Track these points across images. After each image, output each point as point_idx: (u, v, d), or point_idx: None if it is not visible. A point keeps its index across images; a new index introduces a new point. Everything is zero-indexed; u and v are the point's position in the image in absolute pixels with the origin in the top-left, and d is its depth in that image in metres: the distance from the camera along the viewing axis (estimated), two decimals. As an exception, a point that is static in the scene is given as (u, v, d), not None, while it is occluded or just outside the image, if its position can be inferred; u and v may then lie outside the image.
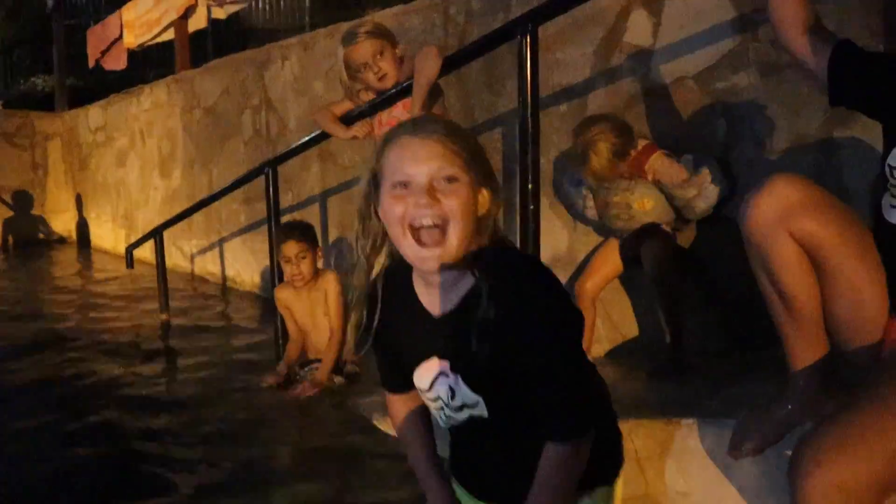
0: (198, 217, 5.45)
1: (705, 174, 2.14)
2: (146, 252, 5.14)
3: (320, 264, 2.97)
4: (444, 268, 1.19)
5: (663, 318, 2.27)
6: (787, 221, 1.30)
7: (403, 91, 2.41)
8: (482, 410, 1.26)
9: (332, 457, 2.25)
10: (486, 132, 3.10)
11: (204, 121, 5.62)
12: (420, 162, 1.14)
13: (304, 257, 2.84)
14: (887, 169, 1.28)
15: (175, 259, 6.05)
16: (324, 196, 4.23)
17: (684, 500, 1.69)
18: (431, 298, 1.26)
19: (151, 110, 6.61)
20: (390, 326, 1.30)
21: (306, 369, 2.94)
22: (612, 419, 1.38)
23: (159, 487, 2.03)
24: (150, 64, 8.32)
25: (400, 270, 1.28)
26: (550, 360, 1.19)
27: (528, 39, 2.04)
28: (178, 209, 5.62)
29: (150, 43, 7.42)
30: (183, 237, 5.97)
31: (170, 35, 6.97)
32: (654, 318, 2.37)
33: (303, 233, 2.91)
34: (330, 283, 2.91)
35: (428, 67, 2.28)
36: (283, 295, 3.00)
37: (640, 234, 2.31)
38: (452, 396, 1.25)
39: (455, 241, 1.15)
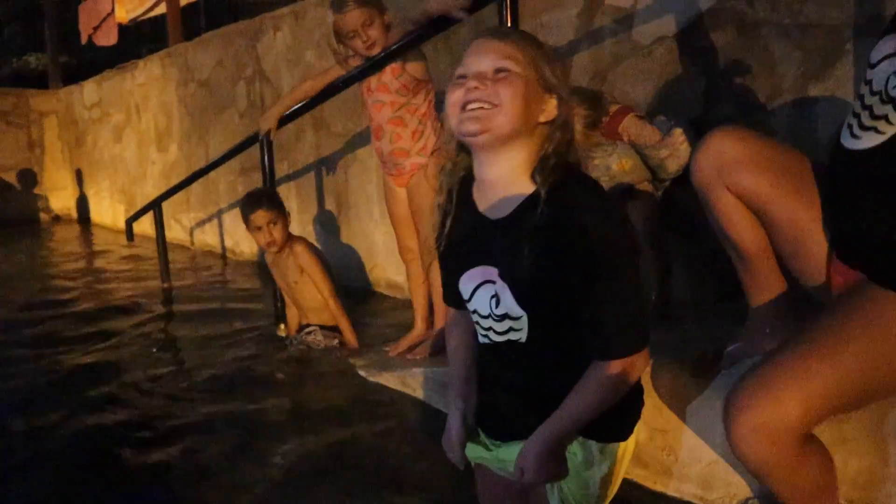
0: (196, 190, 5.54)
1: (677, 134, 2.20)
2: (146, 227, 5.23)
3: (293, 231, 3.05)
4: (491, 148, 1.24)
5: (651, 273, 2.36)
6: (722, 176, 1.36)
7: (391, 55, 2.47)
8: (522, 330, 1.29)
9: (328, 414, 2.34)
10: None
11: (198, 94, 5.67)
12: (481, 55, 1.22)
13: (275, 223, 2.87)
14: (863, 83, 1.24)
15: (175, 232, 6.14)
16: (319, 164, 4.30)
17: (663, 436, 1.79)
18: (489, 203, 1.30)
19: (146, 85, 6.65)
20: (452, 234, 1.36)
21: (301, 334, 3.00)
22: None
23: (162, 440, 2.13)
24: (142, 39, 8.32)
25: (467, 181, 1.34)
26: (612, 272, 1.21)
27: (508, 2, 2.10)
28: (176, 182, 5.71)
29: (141, 17, 7.41)
30: (181, 210, 6.05)
31: (162, 9, 6.97)
32: (643, 269, 2.47)
33: (270, 200, 2.93)
34: (301, 255, 2.93)
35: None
36: (269, 257, 3.05)
37: (624, 195, 2.38)
38: (497, 304, 1.28)
39: (500, 120, 1.20)
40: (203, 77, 5.54)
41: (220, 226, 5.60)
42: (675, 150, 2.20)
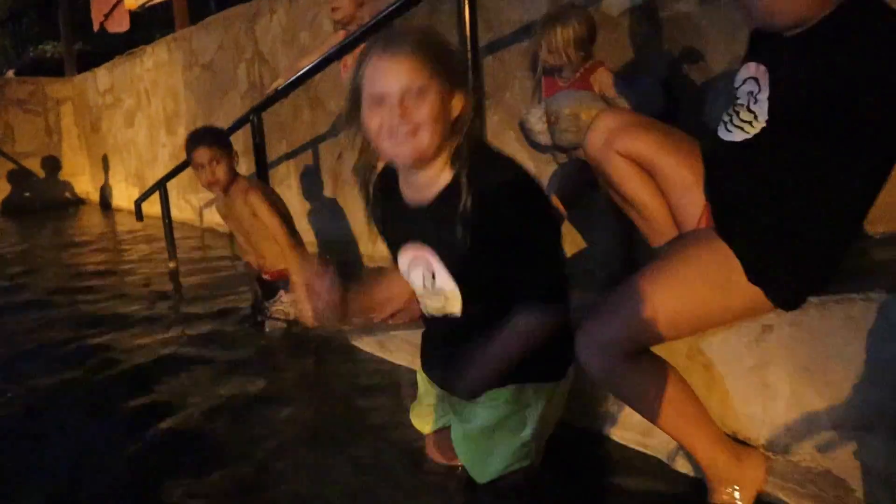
0: (203, 171, 5.66)
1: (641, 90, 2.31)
2: (158, 209, 5.38)
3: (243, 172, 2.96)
4: (422, 164, 1.38)
5: (615, 239, 2.45)
6: (612, 144, 1.56)
7: (366, 33, 2.56)
8: (456, 305, 1.44)
9: (314, 379, 2.47)
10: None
11: (203, 77, 5.79)
12: (391, 79, 1.30)
13: (218, 161, 2.77)
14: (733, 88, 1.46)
15: (185, 213, 6.31)
16: (315, 143, 4.41)
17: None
18: (414, 193, 1.45)
19: (154, 70, 6.79)
20: (385, 221, 1.52)
21: (271, 301, 2.95)
22: (568, 322, 1.52)
23: (166, 406, 2.23)
24: (154, 24, 8.45)
25: (390, 173, 1.49)
26: (527, 238, 1.36)
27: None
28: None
29: (150, 3, 7.55)
30: (190, 190, 6.21)
31: (169, -6, 7.11)
32: (607, 234, 2.55)
33: (213, 137, 2.84)
34: (254, 200, 2.82)
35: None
36: (218, 206, 3.01)
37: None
38: (433, 278, 1.43)
39: (426, 141, 1.33)
40: (206, 60, 5.67)
41: (227, 205, 5.74)
42: (639, 102, 2.29)
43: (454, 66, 1.37)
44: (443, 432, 1.66)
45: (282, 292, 2.93)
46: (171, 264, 4.50)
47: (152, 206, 4.88)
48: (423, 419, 1.72)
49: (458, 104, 1.36)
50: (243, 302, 3.43)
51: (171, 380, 2.46)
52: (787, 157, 1.32)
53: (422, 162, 1.37)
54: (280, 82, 3.24)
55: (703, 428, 1.42)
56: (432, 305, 1.50)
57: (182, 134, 6.40)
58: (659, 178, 1.56)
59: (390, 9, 2.50)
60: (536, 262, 1.38)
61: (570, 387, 1.59)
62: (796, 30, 1.31)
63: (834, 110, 1.26)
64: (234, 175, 2.89)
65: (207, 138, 2.81)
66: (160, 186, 4.43)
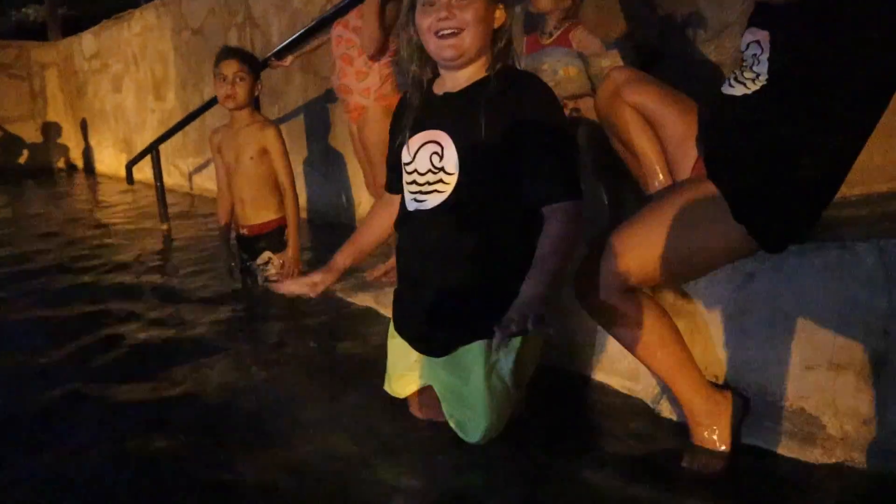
0: (192, 136, 5.69)
1: (617, 53, 2.37)
2: (147, 174, 5.38)
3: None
4: (463, 63, 1.56)
5: (602, 201, 2.52)
6: (620, 95, 1.71)
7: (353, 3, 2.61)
8: (449, 186, 1.56)
9: (311, 329, 2.54)
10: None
11: (192, 41, 5.78)
12: None
13: (242, 79, 2.77)
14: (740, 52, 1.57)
15: (174, 178, 6.32)
16: (307, 107, 4.44)
17: (598, 335, 1.98)
18: (447, 88, 1.62)
19: (142, 34, 6.75)
20: (408, 121, 1.65)
21: (258, 263, 2.92)
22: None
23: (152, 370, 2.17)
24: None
25: (424, 83, 1.66)
26: (549, 131, 1.53)
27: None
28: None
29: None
30: (179, 156, 6.22)
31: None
32: (590, 195, 2.63)
33: (245, 55, 2.85)
34: (271, 137, 2.84)
35: None
36: (215, 136, 2.97)
37: (574, 116, 2.53)
38: (441, 159, 1.56)
39: (468, 41, 1.52)
40: (197, 25, 5.65)
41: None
42: (615, 62, 2.35)
43: None
44: (424, 392, 1.73)
45: (271, 255, 2.91)
46: (164, 226, 4.54)
47: (139, 172, 4.90)
48: (401, 384, 1.77)
49: (500, 16, 1.55)
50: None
51: (164, 347, 2.42)
52: (782, 110, 1.42)
53: (463, 60, 1.55)
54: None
55: (686, 370, 1.52)
56: (428, 184, 1.60)
57: (171, 99, 6.39)
58: (658, 129, 1.69)
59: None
60: (557, 153, 1.52)
61: (541, 340, 1.68)
62: None
63: (825, 70, 1.36)
64: (251, 104, 2.88)
65: (240, 54, 2.85)
66: (153, 149, 4.45)
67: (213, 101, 3.83)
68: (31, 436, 1.82)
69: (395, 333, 1.76)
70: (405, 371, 1.74)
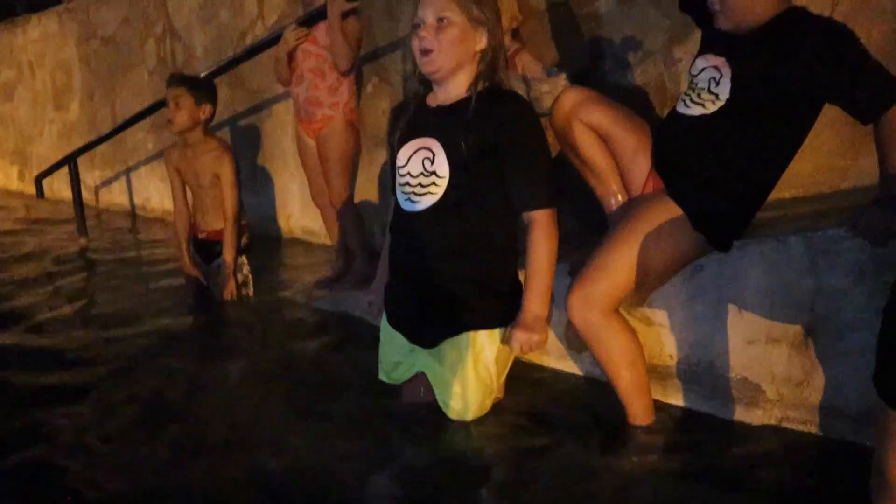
0: (101, 148, 5.52)
1: (561, 78, 2.61)
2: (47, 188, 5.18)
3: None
4: (442, 79, 1.76)
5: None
6: (574, 113, 1.87)
7: (320, 15, 2.73)
8: (441, 188, 1.75)
9: (276, 335, 2.63)
10: (387, 55, 3.45)
11: (102, 51, 5.64)
12: (427, 9, 1.72)
13: (179, 104, 2.86)
14: (689, 75, 1.81)
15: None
16: (233, 120, 4.46)
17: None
18: (438, 101, 1.82)
19: (41, 41, 6.49)
20: (401, 122, 1.85)
21: (215, 264, 3.05)
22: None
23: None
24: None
25: (420, 94, 1.85)
26: (527, 144, 1.75)
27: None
28: (78, 141, 5.67)
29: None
30: (85, 170, 5.99)
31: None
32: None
33: (187, 80, 2.95)
34: (225, 166, 2.94)
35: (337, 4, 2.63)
36: (172, 156, 3.06)
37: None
38: (432, 163, 1.74)
39: (441, 60, 1.73)
40: (108, 34, 5.52)
41: (129, 183, 5.64)
42: (554, 88, 2.59)
43: (483, 9, 1.74)
44: (416, 378, 1.89)
45: (244, 260, 3.07)
46: (82, 240, 4.41)
47: (29, 184, 4.67)
48: (396, 372, 1.94)
49: (481, 40, 1.75)
50: (171, 277, 3.40)
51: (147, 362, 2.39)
52: (740, 128, 1.67)
53: (440, 76, 1.76)
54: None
55: (642, 392, 1.75)
56: (421, 185, 1.78)
57: (75, 109, 6.19)
58: (611, 144, 1.89)
59: None
60: (534, 164, 1.74)
61: None
62: (748, 29, 1.65)
63: (777, 91, 1.62)
64: (198, 127, 2.95)
65: (180, 79, 2.95)
66: (70, 161, 4.34)
67: (151, 109, 3.81)
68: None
69: (388, 325, 1.91)
70: (399, 359, 1.89)
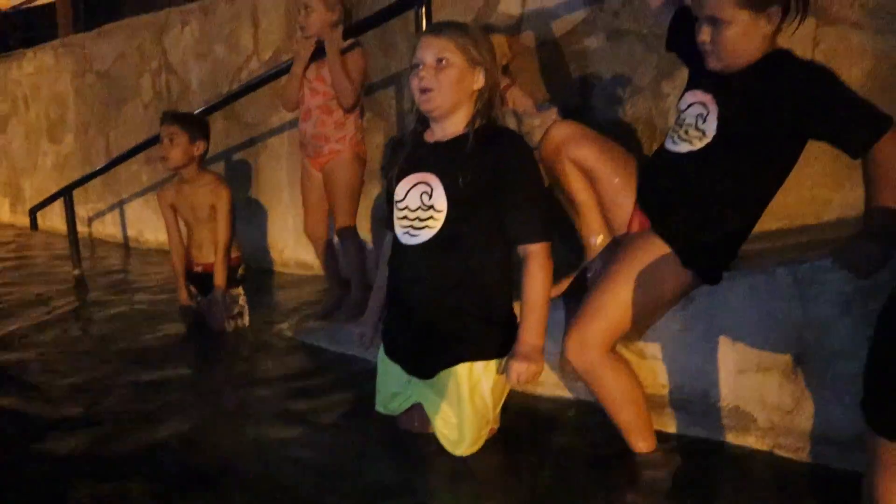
0: (95, 181, 5.55)
1: (552, 112, 2.69)
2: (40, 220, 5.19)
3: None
4: (440, 116, 1.81)
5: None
6: (561, 150, 1.92)
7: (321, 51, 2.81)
8: (439, 222, 1.79)
9: (271, 373, 2.65)
10: (382, 90, 3.52)
11: (97, 84, 5.70)
12: (425, 50, 1.79)
13: (174, 141, 2.93)
14: (676, 110, 1.86)
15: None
16: (228, 153, 4.51)
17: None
18: (436, 137, 1.87)
19: (35, 75, 6.55)
20: (401, 163, 1.89)
21: (210, 297, 3.05)
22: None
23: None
24: (32, 29, 8.08)
25: (418, 130, 1.91)
26: (524, 180, 1.79)
27: (424, 10, 2.51)
28: (72, 174, 5.72)
29: (27, 5, 7.25)
30: (78, 202, 6.00)
31: (49, -1, 6.88)
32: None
33: (181, 118, 3.01)
34: (222, 199, 3.02)
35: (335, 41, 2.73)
36: (166, 194, 3.11)
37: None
38: (430, 197, 1.78)
39: (439, 99, 1.78)
40: (104, 68, 5.59)
41: (123, 215, 5.66)
42: (545, 122, 2.65)
43: (481, 50, 1.80)
44: (413, 409, 1.93)
45: (240, 292, 3.11)
46: (76, 272, 4.42)
47: (24, 217, 4.67)
48: (393, 403, 1.98)
49: (479, 80, 1.80)
50: (165, 308, 3.43)
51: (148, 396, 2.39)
52: (727, 164, 1.72)
53: (438, 113, 1.81)
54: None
55: (643, 425, 1.79)
56: (420, 220, 1.82)
57: (69, 142, 6.23)
58: (596, 182, 1.93)
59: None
60: (530, 201, 1.79)
61: None
62: (736, 69, 1.71)
63: (763, 129, 1.68)
64: (194, 163, 3.03)
65: (174, 116, 3.01)
66: (66, 193, 4.37)
67: (148, 142, 3.85)
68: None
69: (385, 356, 1.94)
70: (396, 390, 1.92)
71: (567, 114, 2.82)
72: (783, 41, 1.74)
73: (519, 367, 1.74)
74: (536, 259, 1.77)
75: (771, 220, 2.22)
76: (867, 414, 1.19)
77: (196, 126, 3.04)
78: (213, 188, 3.04)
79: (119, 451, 1.94)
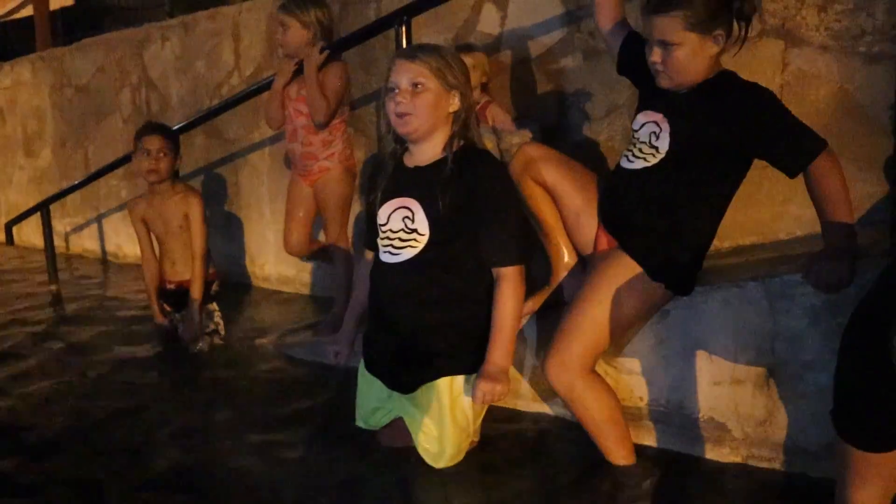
0: (72, 195, 5.53)
1: (527, 132, 2.73)
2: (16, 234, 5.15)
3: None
4: (417, 140, 1.84)
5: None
6: (527, 170, 1.98)
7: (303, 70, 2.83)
8: (420, 244, 1.82)
9: (256, 388, 2.66)
10: (363, 107, 3.56)
11: (76, 98, 5.67)
12: (401, 74, 1.80)
13: (165, 155, 2.93)
14: (630, 131, 1.93)
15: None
16: (208, 169, 4.52)
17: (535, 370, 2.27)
18: (415, 162, 1.90)
19: (12, 88, 6.50)
20: (383, 187, 1.91)
21: (183, 313, 3.03)
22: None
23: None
24: (8, 42, 8.02)
25: (398, 153, 1.93)
26: (499, 205, 1.82)
27: (404, 29, 2.55)
28: (49, 188, 5.68)
29: (4, 19, 7.21)
30: (56, 216, 5.95)
31: (28, 11, 6.85)
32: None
33: (167, 131, 3.02)
34: (194, 206, 3.00)
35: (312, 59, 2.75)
36: (138, 208, 3.09)
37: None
38: (412, 221, 1.80)
39: (416, 123, 1.81)
40: (82, 83, 5.57)
41: (101, 230, 5.62)
42: (523, 140, 2.69)
43: (455, 74, 1.83)
44: (394, 423, 1.95)
45: (215, 307, 3.09)
46: (53, 287, 4.39)
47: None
48: (373, 417, 2.00)
49: (454, 103, 1.83)
50: (141, 324, 3.41)
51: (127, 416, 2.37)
52: (680, 178, 1.79)
53: (416, 136, 1.83)
54: None
55: (623, 442, 1.83)
56: (400, 240, 1.85)
57: (46, 156, 6.18)
58: (559, 203, 1.99)
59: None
60: (505, 224, 1.82)
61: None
62: (685, 89, 1.79)
63: (710, 146, 1.75)
64: (174, 175, 3.04)
65: (162, 129, 3.01)
66: (43, 208, 4.34)
67: (127, 157, 3.83)
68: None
69: (366, 371, 1.96)
70: (377, 405, 1.94)
71: (545, 132, 2.88)
72: (749, 64, 1.80)
73: (485, 387, 1.77)
74: (509, 282, 1.81)
75: (743, 234, 2.29)
76: (837, 424, 1.24)
77: (176, 139, 3.07)
78: (184, 196, 3.04)
79: (96, 468, 1.94)
